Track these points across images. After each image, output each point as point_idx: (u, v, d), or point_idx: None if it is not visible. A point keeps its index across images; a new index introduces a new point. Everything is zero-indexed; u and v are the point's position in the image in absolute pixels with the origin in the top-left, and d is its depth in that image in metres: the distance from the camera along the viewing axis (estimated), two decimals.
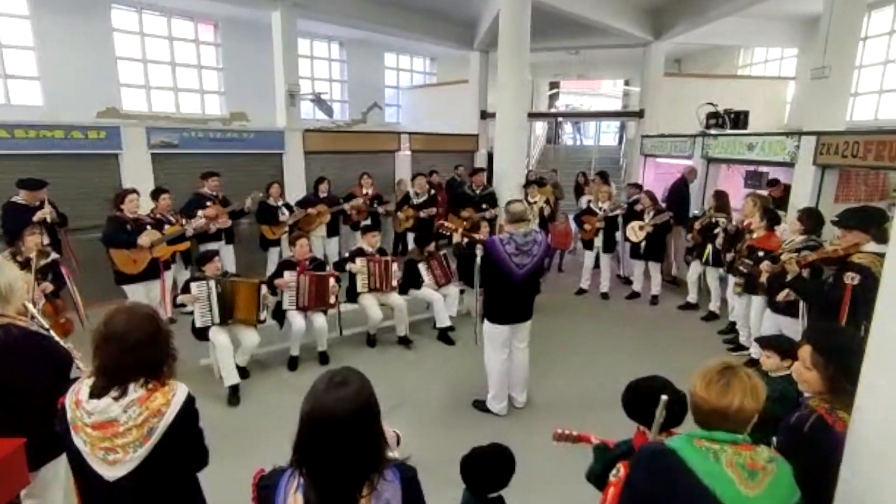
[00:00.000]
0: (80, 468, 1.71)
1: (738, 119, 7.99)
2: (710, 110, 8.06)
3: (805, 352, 1.91)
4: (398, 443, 1.72)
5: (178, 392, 1.73)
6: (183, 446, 1.74)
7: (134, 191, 5.18)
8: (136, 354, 1.67)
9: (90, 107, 8.57)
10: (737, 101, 8.31)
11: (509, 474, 2.11)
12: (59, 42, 8.42)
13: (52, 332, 2.28)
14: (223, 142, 7.16)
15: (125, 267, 4.96)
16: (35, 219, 4.66)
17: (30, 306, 2.38)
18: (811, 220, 4.26)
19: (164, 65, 9.90)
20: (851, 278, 3.24)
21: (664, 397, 1.79)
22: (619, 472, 1.53)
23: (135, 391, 1.66)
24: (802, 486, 1.82)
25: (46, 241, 4.60)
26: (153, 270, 5.15)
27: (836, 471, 1.63)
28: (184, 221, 5.60)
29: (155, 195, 5.65)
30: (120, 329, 1.67)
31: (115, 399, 1.64)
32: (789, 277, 3.78)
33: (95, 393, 1.67)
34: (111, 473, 1.65)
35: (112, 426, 1.63)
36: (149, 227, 5.13)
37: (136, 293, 4.97)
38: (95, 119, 8.23)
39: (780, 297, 4.10)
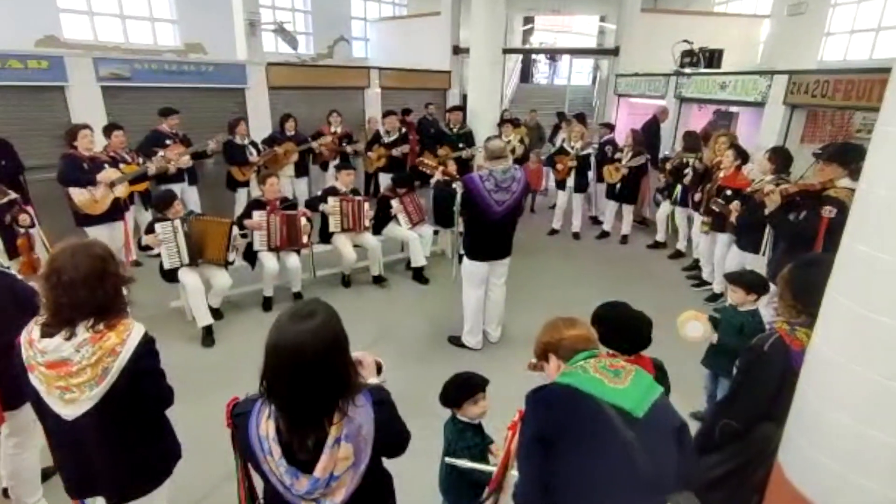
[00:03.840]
0: (39, 407, 1.69)
1: (713, 58, 7.93)
2: (686, 48, 7.96)
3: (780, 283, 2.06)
4: (379, 371, 1.73)
5: (133, 331, 1.68)
6: (142, 386, 1.70)
7: (87, 126, 4.83)
8: (79, 294, 1.60)
9: (26, 34, 7.82)
10: (711, 40, 8.21)
11: (467, 389, 2.20)
12: None
13: (15, 270, 2.20)
14: (180, 75, 6.71)
15: (86, 207, 4.71)
16: None
17: None
18: (781, 158, 4.35)
19: None
20: (829, 211, 3.36)
21: None
22: (515, 416, 1.72)
23: (85, 331, 1.61)
24: (760, 399, 1.97)
25: None
26: (116, 211, 4.92)
27: (793, 385, 1.75)
28: (140, 160, 5.31)
29: (108, 131, 5.29)
30: (62, 267, 1.60)
31: (66, 339, 1.60)
32: (771, 208, 3.84)
33: (46, 332, 1.62)
34: (68, 412, 1.63)
35: (65, 365, 1.59)
36: (106, 165, 4.85)
37: (99, 235, 4.73)
38: (35, 48, 7.55)
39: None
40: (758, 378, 1.98)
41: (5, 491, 2.52)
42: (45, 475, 2.58)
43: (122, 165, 5.11)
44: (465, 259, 4.00)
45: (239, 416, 1.43)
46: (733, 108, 7.04)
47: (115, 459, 1.76)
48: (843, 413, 1.51)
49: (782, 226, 3.80)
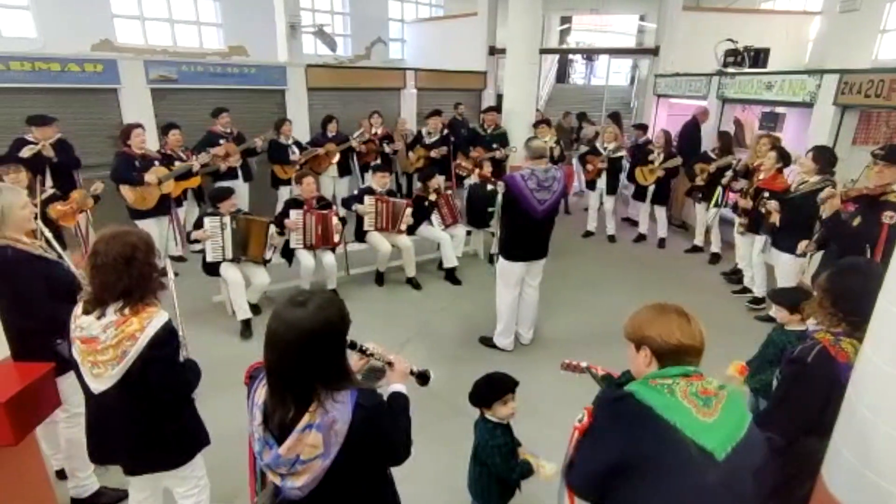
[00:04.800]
0: (79, 376, 1.83)
1: (758, 57, 7.66)
2: (729, 47, 7.72)
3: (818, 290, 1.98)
4: (425, 381, 1.77)
5: (154, 320, 1.76)
6: (157, 372, 1.78)
7: (139, 125, 5.08)
8: (107, 276, 1.71)
9: (84, 39, 8.25)
10: (757, 38, 7.93)
11: (499, 388, 2.21)
12: None
13: (67, 257, 2.34)
14: (223, 77, 6.94)
15: (136, 203, 4.96)
16: (22, 154, 4.56)
17: (46, 232, 2.41)
18: (825, 158, 4.19)
19: None
20: (890, 217, 3.21)
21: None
22: (584, 417, 1.57)
23: (113, 314, 1.72)
24: (803, 413, 1.90)
25: (49, 183, 4.58)
26: (164, 206, 5.15)
27: (838, 399, 1.69)
28: (195, 158, 5.53)
29: (165, 130, 5.57)
30: (98, 250, 1.73)
31: (97, 318, 1.72)
32: (829, 213, 3.69)
33: (85, 309, 1.76)
34: (96, 386, 1.77)
35: (94, 342, 1.72)
36: (157, 163, 5.08)
37: (149, 228, 4.96)
38: (91, 52, 7.95)
39: (801, 247, 4.00)
40: (801, 392, 1.91)
41: (58, 472, 2.68)
42: None
43: (176, 163, 5.35)
44: (501, 260, 4.00)
45: (251, 378, 1.53)
46: (779, 109, 6.78)
47: (131, 435, 1.89)
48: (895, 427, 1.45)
49: (841, 231, 3.62)
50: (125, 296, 1.74)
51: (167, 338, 1.80)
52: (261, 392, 1.44)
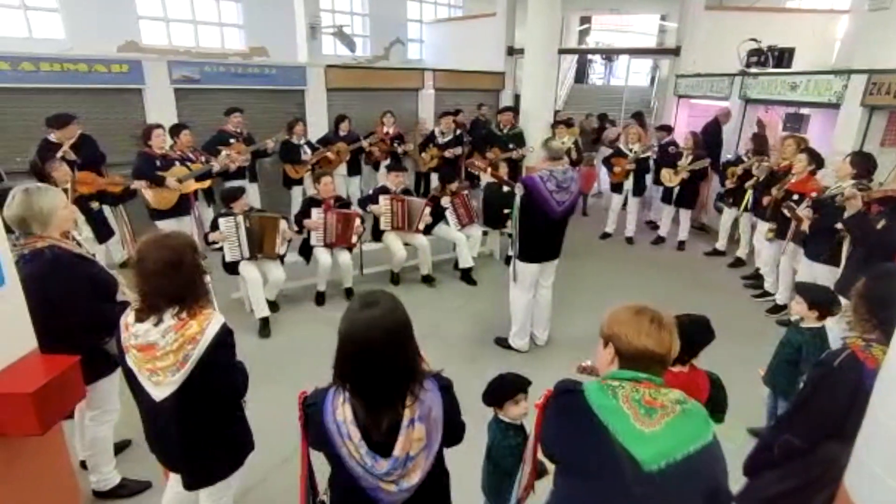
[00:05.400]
0: (134, 385, 1.82)
1: (783, 57, 7.50)
2: (753, 47, 7.58)
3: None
4: None
5: (212, 322, 1.75)
6: (216, 375, 1.78)
7: (159, 126, 5.17)
8: (154, 281, 1.70)
9: (110, 40, 8.43)
10: (782, 38, 7.77)
11: (510, 388, 2.21)
12: None
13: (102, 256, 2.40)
14: (245, 77, 7.03)
15: (155, 203, 5.04)
16: (58, 155, 4.66)
17: (75, 234, 2.47)
18: (864, 164, 4.07)
19: None
20: None
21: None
22: (541, 398, 1.62)
23: (170, 318, 1.71)
24: (826, 417, 1.86)
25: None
26: (184, 206, 5.23)
27: (864, 405, 1.65)
28: (204, 159, 5.58)
29: (175, 131, 5.54)
30: (144, 256, 1.72)
31: (155, 325, 1.71)
32: (850, 213, 3.62)
33: (139, 317, 1.74)
34: (157, 393, 1.75)
35: (152, 349, 1.70)
36: (177, 163, 5.16)
37: (169, 229, 5.03)
38: (117, 53, 8.13)
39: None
40: (825, 396, 1.87)
41: (83, 463, 2.75)
42: (119, 448, 2.79)
43: (188, 164, 5.39)
44: (516, 261, 3.99)
45: (311, 407, 1.48)
46: (804, 110, 6.65)
47: (190, 443, 1.87)
48: None
49: (865, 230, 3.53)
50: (179, 301, 1.73)
51: (226, 339, 1.79)
52: (343, 410, 1.40)
